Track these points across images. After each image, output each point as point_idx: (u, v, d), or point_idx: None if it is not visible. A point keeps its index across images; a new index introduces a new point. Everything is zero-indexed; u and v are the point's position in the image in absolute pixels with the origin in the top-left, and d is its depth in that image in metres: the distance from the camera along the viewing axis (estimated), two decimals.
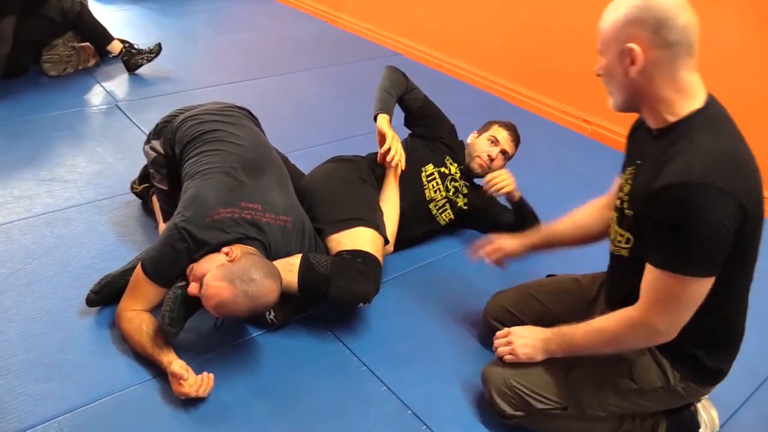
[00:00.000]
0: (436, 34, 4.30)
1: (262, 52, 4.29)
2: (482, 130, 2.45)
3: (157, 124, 2.11)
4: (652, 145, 1.36)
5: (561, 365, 1.56)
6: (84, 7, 3.39)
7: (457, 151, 2.42)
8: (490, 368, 1.66)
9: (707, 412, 1.65)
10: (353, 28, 4.85)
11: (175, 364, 1.59)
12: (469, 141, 2.46)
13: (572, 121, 3.57)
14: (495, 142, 2.36)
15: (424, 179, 2.28)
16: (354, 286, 1.78)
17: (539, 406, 1.55)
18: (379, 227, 1.96)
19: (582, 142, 3.44)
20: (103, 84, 3.47)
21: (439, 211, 2.31)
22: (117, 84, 3.51)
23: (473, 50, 4.08)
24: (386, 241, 1.98)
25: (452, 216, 2.33)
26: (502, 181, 2.21)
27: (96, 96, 3.35)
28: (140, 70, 3.64)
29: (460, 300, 2.11)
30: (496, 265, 1.87)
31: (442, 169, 2.32)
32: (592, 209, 1.75)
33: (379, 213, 2.03)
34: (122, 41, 3.65)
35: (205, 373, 1.61)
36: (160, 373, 1.67)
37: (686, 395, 1.51)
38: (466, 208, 2.35)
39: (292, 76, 3.91)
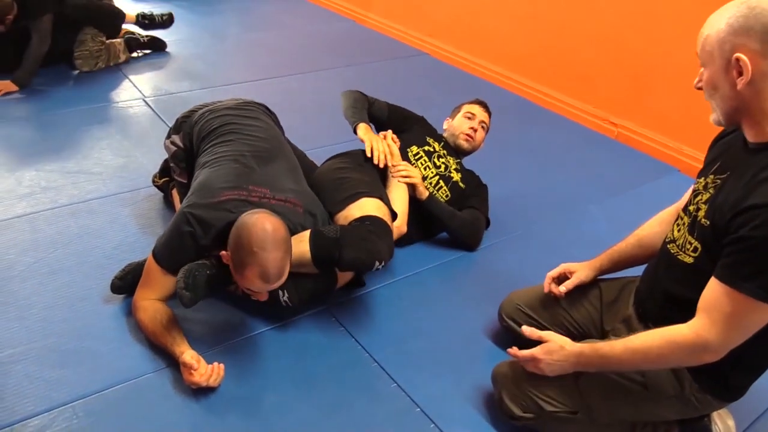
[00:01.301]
0: (463, 35, 4.29)
1: (290, 50, 4.32)
2: (454, 113, 2.59)
3: (177, 119, 2.14)
4: (749, 158, 1.28)
5: None
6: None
7: (436, 133, 2.55)
8: (501, 368, 1.64)
9: (723, 422, 1.61)
10: (382, 28, 4.86)
11: (186, 354, 1.61)
12: (445, 127, 2.58)
13: (599, 123, 3.52)
14: (471, 116, 2.50)
15: (411, 159, 2.36)
16: (367, 245, 1.76)
17: (549, 408, 1.53)
18: (382, 197, 1.98)
19: (608, 145, 3.39)
20: (132, 80, 3.54)
21: (435, 188, 2.35)
22: (145, 80, 3.57)
23: (500, 51, 4.05)
24: (393, 215, 2.00)
25: (449, 193, 2.37)
26: (411, 172, 2.22)
27: (125, 91, 3.41)
28: (168, 65, 3.75)
29: (475, 300, 2.10)
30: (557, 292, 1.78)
31: (426, 147, 2.43)
32: (660, 224, 1.67)
33: (380, 186, 2.09)
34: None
35: (215, 363, 1.63)
36: (174, 362, 1.69)
37: (700, 406, 1.47)
38: (463, 185, 2.41)
39: (318, 74, 3.93)
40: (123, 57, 3.70)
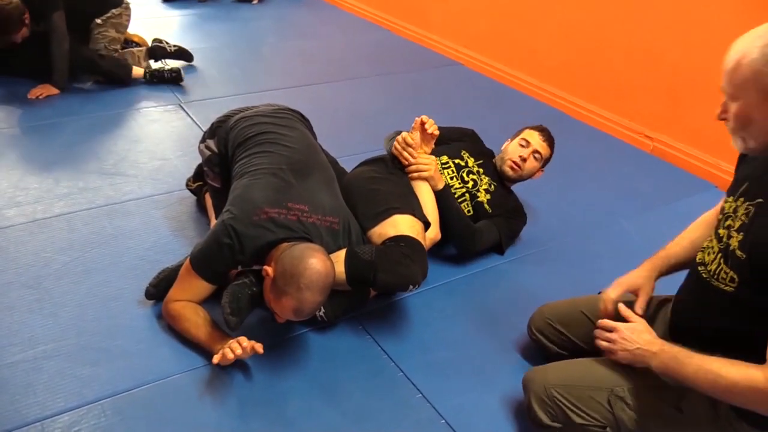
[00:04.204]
0: (498, 45, 4.27)
1: (325, 58, 4.36)
2: (514, 136, 2.48)
3: (212, 124, 2.17)
4: None
5: (606, 382, 1.50)
6: (99, 57, 3.43)
7: (479, 150, 2.49)
8: (532, 375, 1.61)
9: None
10: (416, 38, 4.87)
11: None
12: (502, 147, 2.49)
13: (634, 136, 3.47)
14: (526, 144, 2.38)
15: (439, 167, 2.30)
16: (401, 269, 1.78)
17: (578, 420, 1.49)
18: (415, 212, 1.98)
19: (643, 159, 3.34)
20: (169, 85, 3.59)
21: (458, 200, 2.30)
22: (182, 85, 3.62)
23: (535, 62, 4.02)
24: (426, 225, 1.99)
25: (471, 209, 2.33)
26: (420, 166, 2.13)
27: (161, 96, 3.48)
28: (205, 71, 3.80)
29: (505, 311, 2.08)
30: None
31: (457, 161, 2.39)
32: (707, 226, 1.60)
33: (412, 198, 2.06)
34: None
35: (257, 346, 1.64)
36: (201, 364, 1.72)
37: None
38: (489, 208, 2.34)
39: (352, 82, 3.96)
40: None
